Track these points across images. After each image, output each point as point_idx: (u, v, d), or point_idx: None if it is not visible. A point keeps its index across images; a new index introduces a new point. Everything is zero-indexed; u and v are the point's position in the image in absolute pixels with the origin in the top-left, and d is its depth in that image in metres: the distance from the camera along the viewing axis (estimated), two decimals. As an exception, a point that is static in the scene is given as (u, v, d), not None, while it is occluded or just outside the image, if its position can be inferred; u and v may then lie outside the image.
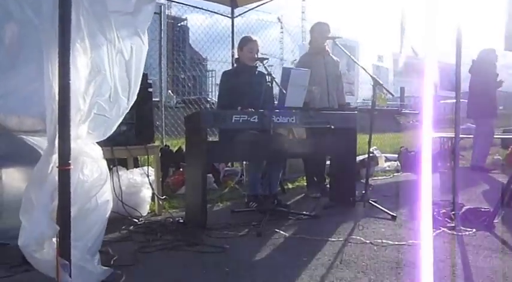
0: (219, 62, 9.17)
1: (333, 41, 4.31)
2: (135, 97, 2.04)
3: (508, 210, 3.59)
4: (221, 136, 3.85)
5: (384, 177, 6.02)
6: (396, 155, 7.49)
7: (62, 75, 1.58)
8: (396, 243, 2.94)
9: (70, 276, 1.61)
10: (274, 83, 3.41)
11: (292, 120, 3.58)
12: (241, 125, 3.33)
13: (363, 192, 3.90)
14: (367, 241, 2.98)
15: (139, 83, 2.07)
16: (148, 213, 3.69)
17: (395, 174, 6.31)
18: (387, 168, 6.64)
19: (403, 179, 5.92)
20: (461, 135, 8.34)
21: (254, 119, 3.40)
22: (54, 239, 1.68)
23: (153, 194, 3.64)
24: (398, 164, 6.79)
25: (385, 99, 10.34)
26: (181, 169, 4.95)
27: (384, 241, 2.97)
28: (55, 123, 1.62)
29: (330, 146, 3.96)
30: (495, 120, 6.73)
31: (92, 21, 1.76)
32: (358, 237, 3.04)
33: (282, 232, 3.16)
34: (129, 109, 2.02)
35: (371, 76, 3.90)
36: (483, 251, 2.80)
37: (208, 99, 18.56)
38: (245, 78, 4.01)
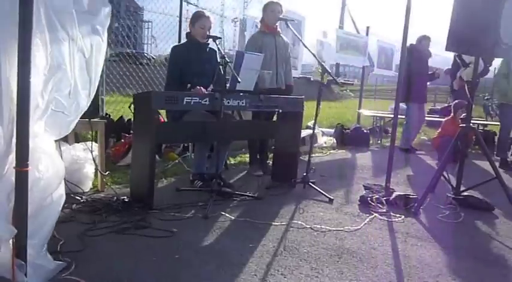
0: (155, 12, 8.84)
1: (285, 22, 4.33)
2: (93, 95, 1.97)
3: (433, 196, 3.95)
4: (170, 116, 3.80)
5: (321, 154, 6.29)
6: (332, 130, 7.82)
7: (22, 74, 1.47)
8: (334, 229, 3.14)
9: (26, 275, 1.58)
10: (227, 66, 3.39)
11: (242, 103, 3.63)
12: (192, 107, 3.32)
13: (304, 174, 4.08)
14: (308, 226, 3.16)
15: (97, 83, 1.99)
16: (90, 189, 3.61)
17: (331, 151, 6.61)
18: (324, 144, 6.93)
19: (339, 157, 6.23)
20: (392, 115, 8.84)
21: (205, 101, 3.40)
22: (10, 240, 1.63)
23: (96, 169, 3.56)
24: (335, 142, 7.10)
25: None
26: (122, 140, 4.85)
27: (322, 227, 3.16)
28: (12, 122, 1.53)
29: (277, 128, 4.06)
30: (424, 105, 7.17)
31: (53, 15, 1.65)
32: (300, 222, 3.22)
33: (227, 215, 3.26)
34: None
35: (320, 63, 4.01)
36: (410, 238, 3.09)
37: (145, 54, 17.86)
38: (196, 54, 3.95)
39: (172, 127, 3.54)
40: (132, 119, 3.45)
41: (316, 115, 4.00)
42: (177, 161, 4.55)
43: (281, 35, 4.69)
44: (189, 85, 3.85)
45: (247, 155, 5.15)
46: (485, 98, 14.42)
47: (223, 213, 3.28)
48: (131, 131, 5.01)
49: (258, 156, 4.80)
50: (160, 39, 8.30)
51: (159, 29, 7.71)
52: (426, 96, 7.01)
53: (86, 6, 1.85)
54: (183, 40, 4.75)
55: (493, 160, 4.02)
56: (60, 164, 1.83)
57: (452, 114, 6.42)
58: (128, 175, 4.18)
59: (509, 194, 3.70)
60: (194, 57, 3.95)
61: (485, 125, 7.92)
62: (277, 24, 4.59)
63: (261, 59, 3.63)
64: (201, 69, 3.97)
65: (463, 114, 6.21)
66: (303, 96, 4.17)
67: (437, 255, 2.82)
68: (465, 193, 4.00)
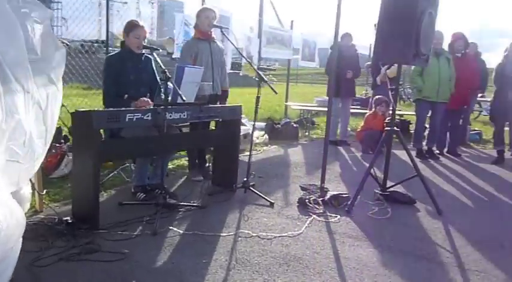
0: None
1: (221, 30, 4.39)
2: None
3: (362, 193, 4.26)
4: (108, 130, 3.72)
5: (255, 151, 6.44)
6: (262, 124, 8.02)
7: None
8: (278, 235, 3.33)
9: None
10: (168, 81, 3.40)
11: (184, 116, 3.67)
12: (135, 123, 3.30)
13: (245, 179, 4.22)
14: (254, 234, 3.31)
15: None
16: (28, 209, 3.46)
17: (264, 148, 6.82)
18: (256, 140, 7.10)
19: (272, 154, 6.45)
20: (318, 108, 9.26)
21: (148, 116, 3.39)
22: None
23: (33, 189, 3.42)
24: (267, 137, 7.31)
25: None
26: (53, 150, 4.65)
27: (268, 234, 3.34)
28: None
29: (217, 136, 4.15)
30: (350, 100, 7.59)
31: (7, 68, 1.58)
32: (246, 231, 3.36)
33: (175, 229, 3.31)
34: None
35: (257, 72, 4.13)
36: (347, 239, 3.36)
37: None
38: (132, 64, 3.90)
39: (115, 145, 3.48)
40: (71, 138, 3.34)
41: (255, 119, 4.14)
42: (115, 171, 4.46)
43: (215, 40, 4.74)
44: (126, 95, 3.80)
45: (186, 159, 5.18)
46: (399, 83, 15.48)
47: (171, 227, 3.33)
48: (62, 140, 4.82)
49: (197, 161, 4.85)
50: (73, 20, 7.72)
51: (70, 8, 7.26)
52: (352, 91, 7.42)
53: (40, 53, 1.79)
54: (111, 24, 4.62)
55: (412, 156, 4.42)
56: (20, 214, 1.78)
57: (373, 109, 6.90)
58: (64, 190, 4.06)
59: (429, 190, 4.12)
60: (130, 67, 3.89)
61: (401, 115, 8.58)
62: (211, 30, 4.62)
63: (201, 72, 3.69)
64: (138, 79, 3.93)
65: (383, 109, 6.73)
66: (240, 104, 4.29)
67: (372, 254, 3.12)
68: (391, 189, 4.39)
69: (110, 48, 6.21)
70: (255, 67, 4.23)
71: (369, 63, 8.33)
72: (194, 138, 4.07)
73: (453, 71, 6.23)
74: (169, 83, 3.45)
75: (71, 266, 2.66)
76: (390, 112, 6.78)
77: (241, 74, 9.88)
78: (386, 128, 4.20)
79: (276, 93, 4.19)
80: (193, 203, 3.87)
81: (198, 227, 3.36)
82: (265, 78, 4.10)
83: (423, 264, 3.02)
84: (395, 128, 4.17)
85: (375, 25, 7.47)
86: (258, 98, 4.18)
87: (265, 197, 4.10)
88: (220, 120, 3.97)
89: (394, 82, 4.55)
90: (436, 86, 6.17)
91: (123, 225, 3.28)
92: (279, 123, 7.89)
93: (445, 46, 6.48)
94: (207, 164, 4.93)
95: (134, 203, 3.77)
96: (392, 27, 3.72)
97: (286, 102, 9.96)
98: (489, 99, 10.03)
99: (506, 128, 6.63)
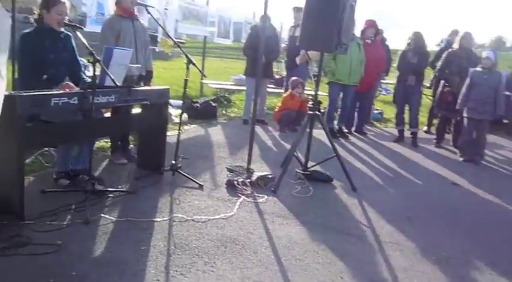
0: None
1: (145, 8, 4.26)
2: None
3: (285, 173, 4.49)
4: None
5: (175, 132, 6.35)
6: (179, 102, 7.90)
7: None
8: (212, 217, 3.43)
9: None
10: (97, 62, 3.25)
11: (112, 99, 3.55)
12: (61, 107, 3.13)
13: (173, 162, 4.22)
14: (189, 218, 3.38)
15: None
16: None
17: (185, 127, 6.78)
18: (176, 119, 7.03)
19: (194, 134, 6.46)
20: (236, 87, 9.39)
21: (74, 100, 3.23)
22: None
23: None
24: (186, 116, 7.25)
25: (170, 45, 10.56)
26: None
27: (202, 217, 3.42)
28: None
29: (145, 119, 4.08)
30: (267, 80, 7.77)
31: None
32: (180, 215, 3.41)
33: (107, 216, 3.25)
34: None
35: (186, 55, 4.10)
36: (277, 218, 3.58)
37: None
38: (51, 42, 3.64)
39: (41, 130, 3.26)
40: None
41: (184, 100, 4.13)
42: (33, 156, 4.18)
43: (139, 18, 4.58)
44: (45, 76, 3.56)
45: (106, 141, 5.00)
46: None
47: (102, 215, 3.26)
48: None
49: (120, 143, 4.71)
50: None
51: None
52: (270, 71, 7.59)
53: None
54: None
55: (331, 138, 4.74)
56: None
57: (290, 90, 7.19)
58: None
59: (345, 169, 4.48)
60: (49, 45, 3.63)
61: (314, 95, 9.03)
62: (134, 8, 4.45)
63: (130, 54, 3.57)
64: (57, 59, 3.68)
65: (299, 91, 7.04)
66: (168, 87, 4.24)
67: (300, 231, 3.37)
68: (311, 168, 4.69)
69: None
70: (182, 49, 4.17)
71: (286, 43, 8.57)
72: (122, 122, 3.96)
73: (363, 56, 6.69)
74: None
75: (2, 261, 2.50)
76: (306, 92, 7.16)
77: (157, 50, 9.61)
78: (309, 112, 4.44)
79: (205, 76, 4.20)
80: (122, 188, 3.81)
81: (131, 213, 3.33)
82: (193, 61, 4.07)
83: (345, 238, 3.34)
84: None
85: (294, 8, 7.72)
86: (186, 80, 4.17)
87: (195, 180, 4.16)
88: (149, 103, 3.89)
89: (317, 68, 4.79)
90: (347, 69, 6.59)
91: (50, 215, 3.13)
92: (197, 102, 7.87)
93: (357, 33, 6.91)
94: (131, 147, 4.82)
95: (59, 190, 3.60)
96: (318, 19, 3.93)
97: (202, 80, 9.90)
98: (390, 82, 10.94)
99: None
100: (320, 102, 8.94)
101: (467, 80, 6.02)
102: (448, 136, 7.17)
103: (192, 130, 6.67)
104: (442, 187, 4.94)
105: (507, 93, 7.04)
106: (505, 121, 8.32)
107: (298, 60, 7.32)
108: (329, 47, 4.05)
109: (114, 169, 4.41)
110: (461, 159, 6.20)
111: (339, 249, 3.12)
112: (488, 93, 5.86)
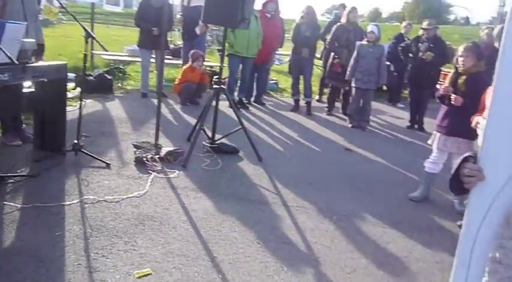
0: None
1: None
2: None
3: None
4: None
5: (71, 108, 5.97)
6: (71, 74, 7.40)
7: None
8: (125, 196, 3.41)
9: None
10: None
11: (5, 77, 3.26)
12: None
13: (75, 141, 4.03)
14: (101, 199, 3.32)
15: None
16: None
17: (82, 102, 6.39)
18: (69, 94, 6.59)
19: (92, 110, 6.15)
20: (131, 58, 9.03)
21: (-38, 79, 2.92)
22: None
23: None
24: (79, 90, 6.82)
25: (55, 13, 9.66)
26: None
27: (115, 197, 3.38)
28: None
29: (42, 97, 3.82)
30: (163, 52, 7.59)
31: None
32: (91, 197, 3.33)
33: (11, 203, 3.06)
34: None
35: (84, 28, 3.87)
36: (190, 192, 3.67)
37: None
38: None
39: None
40: None
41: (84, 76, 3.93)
42: None
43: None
44: None
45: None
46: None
47: (6, 202, 3.06)
48: None
49: (12, 123, 4.35)
50: None
51: None
52: (165, 43, 7.40)
53: None
54: None
55: (237, 111, 4.89)
56: None
57: (190, 62, 7.14)
58: None
59: (251, 140, 4.68)
60: None
61: (212, 67, 9.07)
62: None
63: (24, 28, 3.28)
64: None
65: (200, 64, 7.04)
66: (66, 62, 3.98)
67: (214, 203, 3.51)
68: (218, 141, 4.81)
69: None
70: (79, 21, 3.90)
71: (181, 15, 8.39)
72: (17, 102, 3.66)
73: (260, 29, 6.88)
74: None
75: None
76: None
77: (41, 19, 8.74)
78: (215, 86, 4.52)
79: (106, 50, 4.03)
80: (22, 172, 3.57)
81: (37, 199, 3.17)
82: (93, 35, 3.87)
83: (256, 206, 3.56)
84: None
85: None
86: (85, 55, 3.96)
87: (100, 158, 4.04)
88: (46, 80, 3.64)
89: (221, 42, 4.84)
90: (246, 42, 6.74)
91: None
92: (91, 75, 7.44)
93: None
94: (24, 127, 4.48)
95: None
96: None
97: (92, 50, 9.31)
98: (283, 53, 11.34)
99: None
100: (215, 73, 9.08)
101: (355, 53, 6.55)
102: (338, 104, 7.77)
103: (89, 105, 6.33)
104: (338, 152, 5.42)
105: (387, 63, 7.80)
106: (385, 88, 9.22)
107: (198, 30, 7.26)
108: (233, 23, 4.14)
109: (8, 152, 4.08)
110: (350, 125, 6.80)
111: (252, 217, 3.33)
112: (373, 65, 6.45)
